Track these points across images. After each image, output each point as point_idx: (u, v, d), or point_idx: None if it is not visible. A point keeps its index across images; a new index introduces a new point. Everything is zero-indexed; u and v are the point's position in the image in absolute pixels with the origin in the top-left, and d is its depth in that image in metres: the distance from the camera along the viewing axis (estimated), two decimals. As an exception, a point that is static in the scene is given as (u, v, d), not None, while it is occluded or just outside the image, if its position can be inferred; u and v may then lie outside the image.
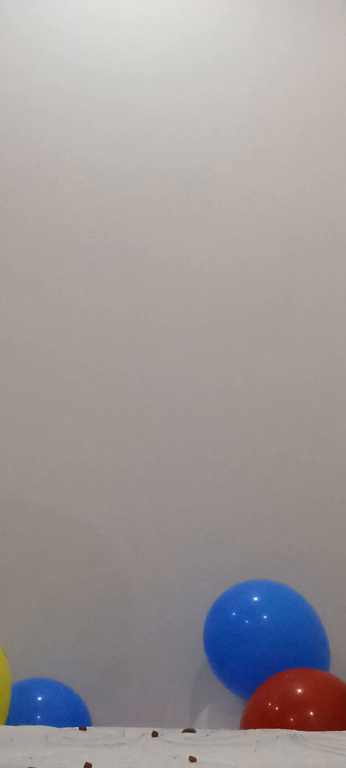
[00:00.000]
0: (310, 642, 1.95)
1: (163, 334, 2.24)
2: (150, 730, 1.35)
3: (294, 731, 1.30)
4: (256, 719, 1.76)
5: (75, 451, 2.18)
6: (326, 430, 2.24)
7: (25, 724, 1.58)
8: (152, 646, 2.14)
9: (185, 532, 2.18)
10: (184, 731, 1.40)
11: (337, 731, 1.33)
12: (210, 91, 2.34)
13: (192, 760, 1.17)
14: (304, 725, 1.62)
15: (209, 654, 1.99)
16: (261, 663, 1.89)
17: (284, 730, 1.33)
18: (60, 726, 1.53)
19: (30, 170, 2.23)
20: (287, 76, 2.38)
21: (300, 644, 1.92)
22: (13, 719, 1.78)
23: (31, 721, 1.79)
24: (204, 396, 2.23)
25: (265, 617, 1.94)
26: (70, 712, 1.97)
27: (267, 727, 1.59)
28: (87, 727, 1.45)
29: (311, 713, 1.72)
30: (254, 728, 1.52)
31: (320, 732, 1.32)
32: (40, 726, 1.48)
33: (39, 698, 1.96)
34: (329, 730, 1.41)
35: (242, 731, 1.46)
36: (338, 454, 2.23)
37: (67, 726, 1.59)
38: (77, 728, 1.42)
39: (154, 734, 1.34)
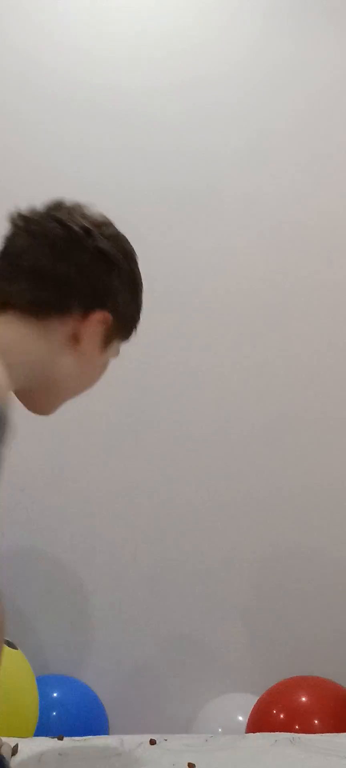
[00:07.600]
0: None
1: (162, 335, 2.22)
2: (148, 738, 1.32)
3: (293, 735, 1.28)
4: (260, 725, 1.73)
5: (73, 464, 2.17)
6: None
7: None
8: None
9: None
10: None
11: (336, 733, 1.31)
12: (210, 93, 2.34)
13: (191, 766, 1.15)
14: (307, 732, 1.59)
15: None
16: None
17: (283, 733, 1.31)
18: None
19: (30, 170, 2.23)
20: (288, 79, 2.37)
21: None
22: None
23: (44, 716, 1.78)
24: (204, 400, 2.22)
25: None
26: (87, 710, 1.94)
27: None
28: (85, 737, 1.40)
29: (315, 721, 1.69)
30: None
31: (319, 735, 1.30)
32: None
33: (55, 694, 1.92)
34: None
35: (242, 736, 1.44)
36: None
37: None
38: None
39: (152, 742, 1.32)
